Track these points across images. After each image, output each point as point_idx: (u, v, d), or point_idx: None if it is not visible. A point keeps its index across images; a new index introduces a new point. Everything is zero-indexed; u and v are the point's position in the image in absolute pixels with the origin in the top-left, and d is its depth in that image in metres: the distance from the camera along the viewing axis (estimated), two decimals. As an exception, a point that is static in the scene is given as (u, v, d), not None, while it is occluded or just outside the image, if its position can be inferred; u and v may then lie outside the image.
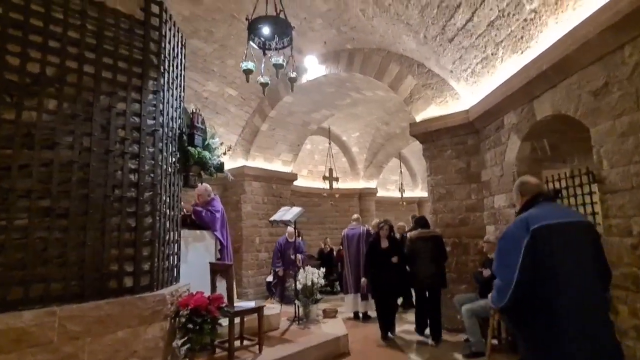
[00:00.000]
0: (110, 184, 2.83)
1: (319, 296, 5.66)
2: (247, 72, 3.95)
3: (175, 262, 3.59)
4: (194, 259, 4.20)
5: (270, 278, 8.26)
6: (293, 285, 5.60)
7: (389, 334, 5.26)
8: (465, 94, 5.41)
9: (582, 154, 4.08)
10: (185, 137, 3.90)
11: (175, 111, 3.66)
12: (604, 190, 3.01)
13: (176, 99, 3.68)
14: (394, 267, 5.19)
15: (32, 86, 2.53)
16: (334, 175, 11.31)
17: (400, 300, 6.41)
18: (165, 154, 3.32)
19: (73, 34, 2.75)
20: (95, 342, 2.52)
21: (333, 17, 5.93)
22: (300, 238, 8.16)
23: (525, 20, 3.64)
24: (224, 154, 4.55)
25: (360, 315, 6.44)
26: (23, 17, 2.53)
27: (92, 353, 2.49)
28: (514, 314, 1.98)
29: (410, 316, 6.07)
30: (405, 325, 5.88)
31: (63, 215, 2.58)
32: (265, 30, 3.73)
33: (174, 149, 3.58)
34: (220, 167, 4.29)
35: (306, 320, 5.28)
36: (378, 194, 13.90)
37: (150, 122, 3.16)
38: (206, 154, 4.03)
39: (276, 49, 3.84)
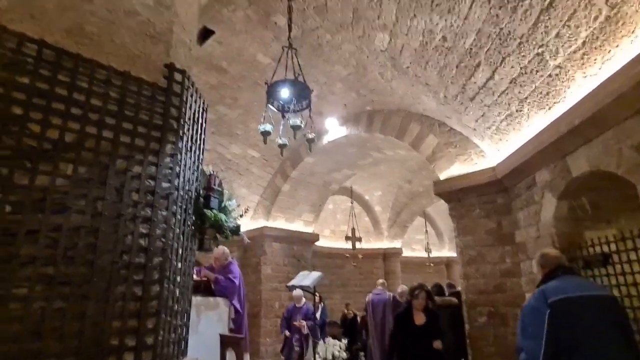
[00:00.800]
0: (118, 250, 2.69)
1: (342, 372, 5.15)
2: (265, 134, 3.98)
3: (184, 334, 3.32)
4: (205, 329, 3.90)
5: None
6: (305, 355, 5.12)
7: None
8: (491, 150, 5.23)
9: (628, 213, 3.71)
10: (201, 200, 3.83)
11: (193, 174, 3.63)
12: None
13: (194, 162, 3.68)
14: (431, 353, 4.22)
15: (51, 152, 2.55)
16: (357, 235, 10.99)
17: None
18: (179, 216, 3.22)
19: (95, 101, 2.83)
20: None
21: (352, 81, 6.08)
22: (321, 303, 7.69)
23: (550, 76, 3.54)
24: (241, 216, 4.44)
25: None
26: (49, 86, 2.63)
27: None
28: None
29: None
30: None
31: (66, 283, 2.44)
32: (284, 93, 3.79)
33: (189, 212, 3.49)
34: (236, 230, 4.14)
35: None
36: (403, 254, 13.31)
37: (165, 184, 3.10)
38: (222, 216, 3.92)
39: (294, 111, 3.87)
